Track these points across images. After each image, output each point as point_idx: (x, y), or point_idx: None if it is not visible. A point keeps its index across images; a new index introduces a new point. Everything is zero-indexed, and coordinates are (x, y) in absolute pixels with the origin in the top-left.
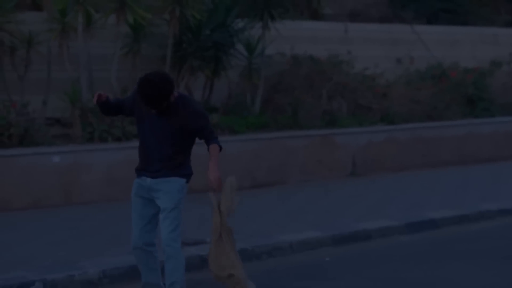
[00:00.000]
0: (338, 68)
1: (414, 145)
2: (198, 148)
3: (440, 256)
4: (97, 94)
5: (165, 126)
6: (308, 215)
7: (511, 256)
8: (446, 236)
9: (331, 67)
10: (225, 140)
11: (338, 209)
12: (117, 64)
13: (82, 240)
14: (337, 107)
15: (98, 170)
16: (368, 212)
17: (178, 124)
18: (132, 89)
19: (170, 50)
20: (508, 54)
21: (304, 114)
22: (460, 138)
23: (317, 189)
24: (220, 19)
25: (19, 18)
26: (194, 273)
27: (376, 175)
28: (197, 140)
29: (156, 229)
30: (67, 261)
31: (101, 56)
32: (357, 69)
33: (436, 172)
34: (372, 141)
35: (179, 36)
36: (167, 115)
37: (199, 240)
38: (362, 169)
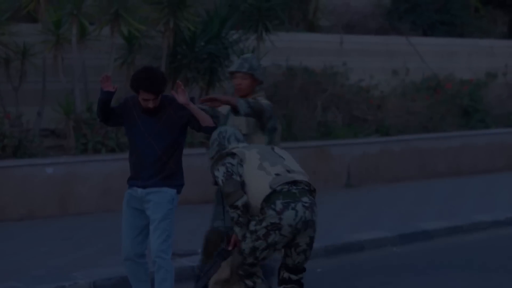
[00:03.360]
0: (333, 80)
1: (409, 157)
2: (193, 159)
3: (434, 267)
4: (105, 76)
5: (156, 125)
6: None
7: (504, 267)
8: (440, 247)
9: (326, 78)
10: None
11: (332, 220)
12: (112, 75)
13: (75, 250)
14: (332, 119)
15: (92, 181)
16: (362, 223)
17: (169, 121)
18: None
19: (164, 62)
20: (503, 65)
21: (299, 126)
22: (455, 149)
23: None
24: (214, 31)
25: (14, 29)
26: (185, 284)
27: (371, 186)
28: (193, 151)
29: (147, 240)
30: (59, 271)
31: (96, 67)
32: (352, 81)
33: (430, 183)
34: (367, 152)
35: (174, 48)
36: (158, 114)
37: (190, 251)
38: (357, 180)
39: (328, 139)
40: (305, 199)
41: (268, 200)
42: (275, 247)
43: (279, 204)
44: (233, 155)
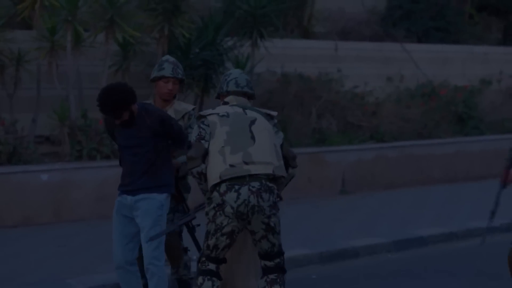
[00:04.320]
0: (328, 86)
1: (404, 163)
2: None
3: (428, 274)
4: None
5: (136, 137)
6: (296, 232)
7: (499, 274)
8: (435, 253)
9: (321, 85)
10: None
11: (327, 226)
12: (106, 82)
13: (70, 257)
14: (326, 125)
15: (87, 188)
16: (357, 230)
17: (149, 133)
18: None
19: None
20: (498, 72)
21: (293, 132)
22: (450, 156)
23: (306, 206)
24: (209, 38)
25: (9, 36)
26: None
27: (366, 193)
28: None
29: (138, 247)
30: (54, 278)
31: (90, 74)
32: (347, 87)
33: (425, 190)
34: (361, 158)
35: (168, 54)
36: (135, 126)
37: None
38: (352, 187)
39: (323, 145)
40: (254, 183)
41: (216, 184)
42: (222, 231)
43: (223, 187)
44: (207, 121)
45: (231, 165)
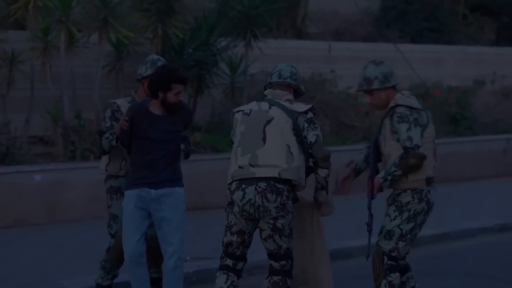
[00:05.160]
0: (322, 87)
1: None
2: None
3: (421, 274)
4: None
5: (169, 131)
6: None
7: (492, 275)
8: (427, 254)
9: (314, 85)
10: (208, 159)
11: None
12: (100, 82)
13: (64, 258)
14: (320, 126)
15: (80, 188)
16: (350, 230)
17: (181, 126)
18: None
19: None
20: (491, 72)
21: None
22: (443, 156)
23: None
24: (203, 38)
25: (2, 36)
26: None
27: (359, 193)
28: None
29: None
30: (47, 279)
31: (84, 74)
32: (340, 88)
33: None
34: None
35: (162, 55)
36: (170, 119)
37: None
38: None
39: None
40: (261, 184)
41: (229, 183)
42: (231, 230)
43: (233, 185)
44: (234, 118)
45: (240, 167)
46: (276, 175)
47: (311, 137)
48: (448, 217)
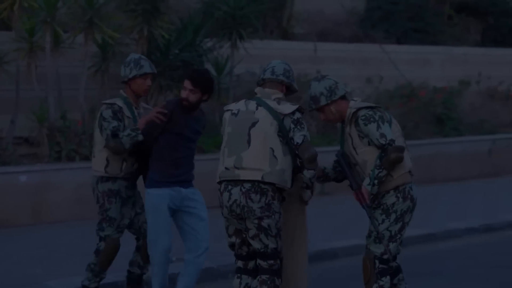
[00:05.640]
0: (307, 87)
1: None
2: None
3: (407, 275)
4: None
5: (195, 130)
6: None
7: (478, 275)
8: (413, 255)
9: (300, 86)
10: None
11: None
12: (85, 83)
13: (50, 259)
14: (306, 126)
15: (66, 189)
16: (336, 231)
17: (201, 127)
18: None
19: None
20: (477, 73)
21: None
22: (429, 157)
23: None
24: (188, 39)
25: None
26: None
27: (345, 194)
28: None
29: None
30: (34, 280)
31: (70, 75)
32: None
33: None
34: None
35: (148, 56)
36: (195, 118)
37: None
38: (332, 188)
39: None
40: (246, 184)
41: (218, 183)
42: (228, 232)
43: (222, 186)
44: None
45: (226, 168)
46: (259, 179)
47: (297, 138)
48: (434, 218)
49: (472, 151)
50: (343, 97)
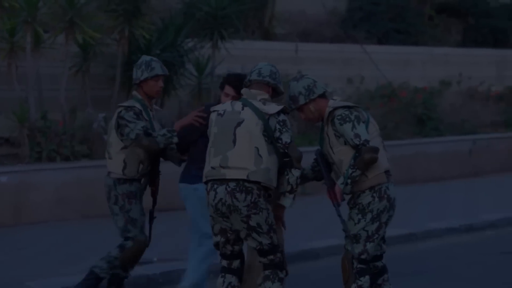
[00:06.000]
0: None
1: None
2: None
3: (389, 275)
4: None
5: None
6: None
7: (458, 275)
8: (394, 254)
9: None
10: None
11: (287, 228)
12: (66, 83)
13: (30, 260)
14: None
15: (47, 190)
16: (317, 231)
17: None
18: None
19: (119, 70)
20: (458, 73)
21: None
22: (409, 157)
23: None
24: (170, 39)
25: None
26: None
27: (326, 194)
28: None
29: None
30: (14, 281)
31: (50, 75)
32: None
33: None
34: None
35: (129, 56)
36: None
37: (147, 260)
38: (313, 188)
39: None
40: (231, 183)
41: (205, 182)
42: (214, 231)
43: (208, 185)
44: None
45: (212, 167)
46: (245, 177)
47: (286, 137)
48: (414, 218)
49: (453, 151)
50: (322, 96)
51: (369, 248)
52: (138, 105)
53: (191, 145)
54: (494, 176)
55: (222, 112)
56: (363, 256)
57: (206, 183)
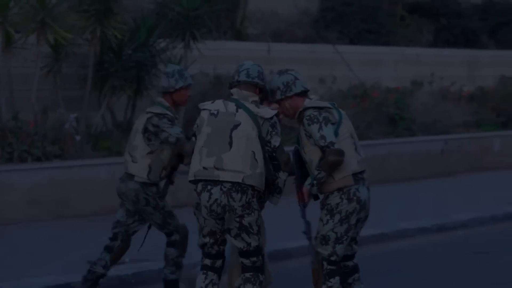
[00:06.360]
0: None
1: None
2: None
3: (361, 274)
4: None
5: None
6: None
7: (429, 275)
8: (366, 254)
9: None
10: None
11: None
12: (38, 84)
13: (3, 261)
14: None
15: (18, 191)
16: (290, 232)
17: None
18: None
19: (91, 70)
20: (429, 73)
21: None
22: (381, 157)
23: None
24: (142, 39)
25: None
26: None
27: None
28: (98, 161)
29: None
30: None
31: (22, 75)
32: None
33: None
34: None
35: (101, 56)
36: None
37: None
38: (287, 188)
39: None
40: (227, 184)
41: (192, 182)
42: (203, 232)
43: (199, 186)
44: (200, 117)
45: (204, 168)
46: (240, 181)
47: (275, 141)
48: (386, 217)
49: (425, 151)
50: (300, 94)
51: (338, 249)
52: (169, 112)
53: None
54: (466, 176)
55: (215, 112)
56: (332, 258)
57: (195, 182)
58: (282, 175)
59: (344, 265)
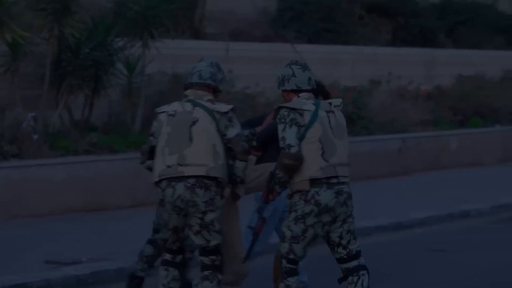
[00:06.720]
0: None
1: None
2: (77, 167)
3: (317, 273)
4: None
5: None
6: None
7: (388, 274)
8: (323, 253)
9: None
10: (105, 159)
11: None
12: None
13: None
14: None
15: None
16: None
17: None
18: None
19: (49, 69)
20: (387, 73)
21: None
22: None
23: None
24: (99, 38)
25: None
26: None
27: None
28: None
29: None
30: None
31: None
32: (238, 88)
33: None
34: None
35: (58, 55)
36: None
37: (76, 260)
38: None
39: None
40: (191, 180)
41: (157, 182)
42: (166, 227)
43: (164, 183)
44: (158, 119)
45: (168, 166)
46: (204, 173)
47: (230, 132)
48: None
49: (382, 150)
50: (295, 91)
51: (295, 248)
52: None
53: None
54: (423, 174)
55: (173, 113)
56: (290, 256)
57: (159, 182)
58: (239, 164)
59: (345, 268)
